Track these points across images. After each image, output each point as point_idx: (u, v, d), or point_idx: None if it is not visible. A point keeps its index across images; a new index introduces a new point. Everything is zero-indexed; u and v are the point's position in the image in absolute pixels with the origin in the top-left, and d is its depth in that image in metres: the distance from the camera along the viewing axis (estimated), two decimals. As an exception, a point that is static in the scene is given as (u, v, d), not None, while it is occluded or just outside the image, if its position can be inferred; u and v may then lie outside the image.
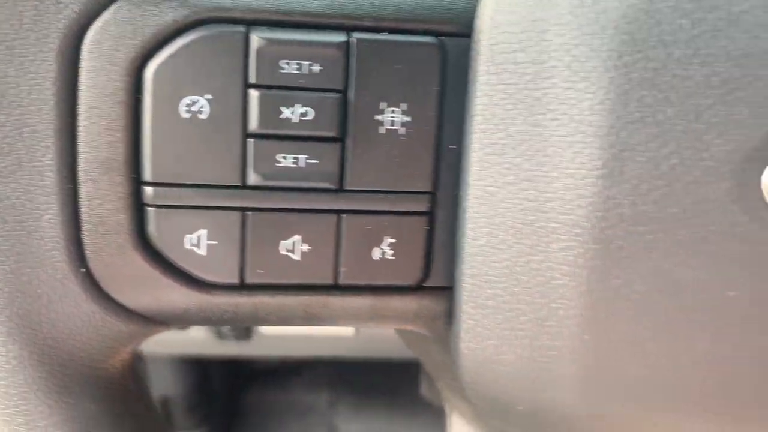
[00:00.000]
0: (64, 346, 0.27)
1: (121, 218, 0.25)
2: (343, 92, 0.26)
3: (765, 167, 0.24)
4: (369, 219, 0.27)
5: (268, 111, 0.25)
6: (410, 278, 0.28)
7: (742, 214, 0.24)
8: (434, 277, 0.28)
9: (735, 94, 0.23)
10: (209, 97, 0.25)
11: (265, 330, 0.79)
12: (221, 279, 0.26)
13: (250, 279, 0.26)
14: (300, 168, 0.26)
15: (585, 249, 0.25)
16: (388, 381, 1.15)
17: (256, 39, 0.25)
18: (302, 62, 0.25)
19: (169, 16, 0.25)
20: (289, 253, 0.26)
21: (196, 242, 0.26)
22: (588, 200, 0.24)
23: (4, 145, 0.25)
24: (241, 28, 0.25)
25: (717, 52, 0.23)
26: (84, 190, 0.25)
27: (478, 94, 0.25)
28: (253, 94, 0.25)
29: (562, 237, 0.25)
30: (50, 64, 0.24)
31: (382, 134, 0.26)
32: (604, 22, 0.24)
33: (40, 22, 0.24)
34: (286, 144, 0.25)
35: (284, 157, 0.26)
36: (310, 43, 0.25)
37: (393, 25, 0.26)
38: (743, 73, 0.23)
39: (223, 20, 0.25)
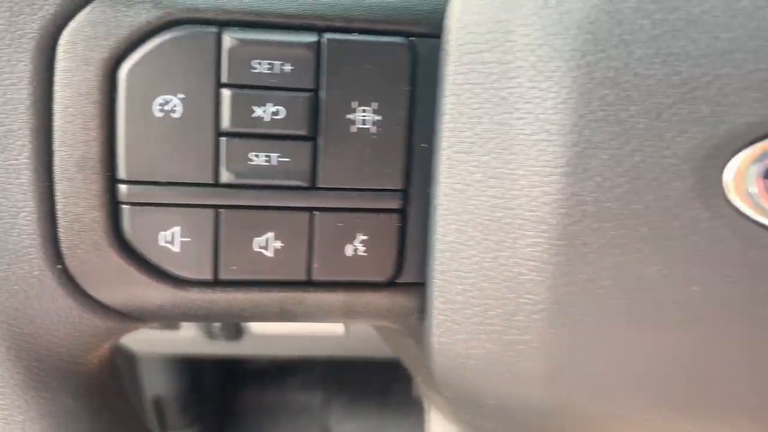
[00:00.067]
0: (41, 342, 0.27)
1: (96, 216, 0.26)
2: (315, 91, 0.26)
3: (726, 164, 0.24)
4: (341, 216, 0.27)
5: (240, 110, 0.26)
6: (383, 274, 0.28)
7: (704, 210, 0.24)
8: (407, 273, 0.28)
9: (695, 93, 0.24)
10: (182, 96, 0.25)
11: (256, 330, 0.80)
12: (195, 275, 0.27)
13: (223, 275, 0.27)
14: (272, 166, 0.26)
15: (550, 245, 0.25)
16: (382, 381, 1.15)
17: (228, 39, 0.25)
18: (274, 62, 0.26)
19: (142, 17, 0.25)
20: (263, 250, 0.27)
21: (170, 239, 0.26)
22: (553, 197, 0.25)
23: None
24: (214, 29, 0.25)
25: (678, 51, 0.24)
26: (60, 188, 0.26)
27: (447, 93, 0.26)
28: (226, 93, 0.25)
29: (529, 233, 0.25)
30: (26, 65, 0.25)
31: (353, 133, 0.27)
32: (567, 22, 0.24)
33: (16, 23, 0.25)
34: (258, 142, 0.26)
35: (256, 156, 0.26)
36: (282, 44, 0.26)
37: (364, 25, 0.27)
38: (703, 72, 0.24)
39: (196, 21, 0.25)
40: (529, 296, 0.26)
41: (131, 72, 0.25)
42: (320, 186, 0.27)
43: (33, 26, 0.25)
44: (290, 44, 0.26)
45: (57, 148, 0.25)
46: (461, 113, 0.26)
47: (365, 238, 0.28)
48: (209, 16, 0.26)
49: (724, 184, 0.24)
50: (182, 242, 0.26)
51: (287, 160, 0.26)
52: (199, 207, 0.26)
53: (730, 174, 0.24)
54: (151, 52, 0.25)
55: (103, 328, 0.28)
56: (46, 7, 0.25)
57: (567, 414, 0.27)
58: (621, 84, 0.24)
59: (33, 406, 0.28)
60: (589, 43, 0.24)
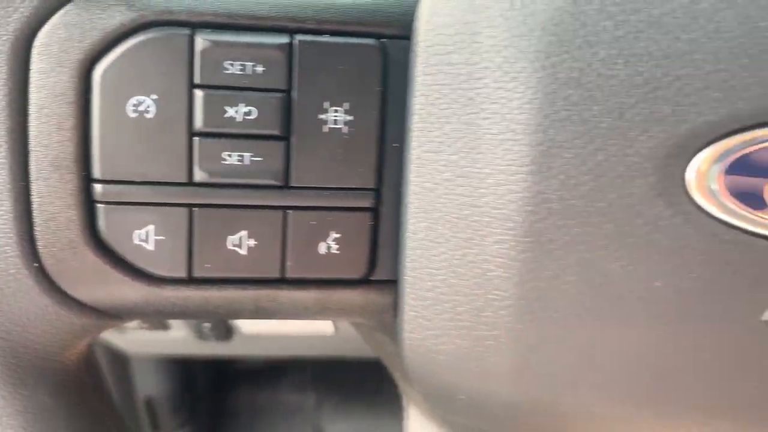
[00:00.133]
0: (18, 339, 0.28)
1: (71, 214, 0.26)
2: (287, 92, 0.27)
3: (688, 163, 0.25)
4: (314, 215, 0.28)
5: (213, 110, 0.26)
6: (356, 272, 0.29)
7: (666, 208, 0.25)
8: (380, 270, 0.29)
9: (657, 93, 0.24)
10: (155, 97, 0.26)
11: (246, 330, 0.80)
12: (170, 273, 0.27)
13: (198, 273, 0.27)
14: (245, 165, 0.27)
15: (517, 242, 0.26)
16: (374, 381, 1.16)
17: (200, 41, 0.26)
18: (246, 63, 0.26)
19: (116, 19, 0.26)
20: (236, 248, 0.27)
21: (145, 237, 0.27)
22: (519, 195, 0.25)
23: None
24: (186, 31, 0.26)
25: (639, 52, 0.24)
26: (35, 188, 0.26)
27: (416, 94, 0.26)
28: (198, 94, 0.26)
29: (496, 231, 0.26)
30: (1, 67, 0.25)
31: (325, 133, 0.27)
32: (531, 24, 0.25)
33: None
34: (231, 142, 0.26)
35: (229, 155, 0.27)
36: (254, 45, 0.26)
37: (335, 27, 0.27)
38: (664, 72, 0.24)
39: (169, 23, 0.26)
40: (496, 292, 0.26)
41: (105, 73, 0.26)
42: (293, 185, 0.27)
43: (8, 28, 0.25)
44: (262, 45, 0.26)
45: (33, 148, 0.26)
46: (430, 113, 0.26)
47: (338, 236, 0.28)
48: (182, 18, 0.26)
49: (687, 182, 0.25)
50: (157, 240, 0.27)
51: (260, 159, 0.27)
52: (173, 206, 0.27)
53: (692, 172, 0.25)
54: (124, 53, 0.26)
55: (79, 325, 0.28)
56: (21, 9, 0.25)
57: (535, 409, 0.28)
58: (584, 84, 0.24)
59: (10, 402, 0.28)
60: (554, 44, 0.24)
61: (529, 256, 0.26)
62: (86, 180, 0.26)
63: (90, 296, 0.28)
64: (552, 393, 0.27)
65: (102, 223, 0.27)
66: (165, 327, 0.81)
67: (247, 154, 0.27)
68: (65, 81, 0.26)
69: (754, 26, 0.24)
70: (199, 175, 0.27)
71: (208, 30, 0.26)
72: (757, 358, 0.26)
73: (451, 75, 0.26)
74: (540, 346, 0.26)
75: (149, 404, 1.04)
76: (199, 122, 0.26)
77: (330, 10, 0.27)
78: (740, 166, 0.25)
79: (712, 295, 0.25)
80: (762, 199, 0.25)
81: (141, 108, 0.26)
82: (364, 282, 0.29)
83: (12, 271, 0.26)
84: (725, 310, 0.25)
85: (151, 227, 0.27)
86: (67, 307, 0.27)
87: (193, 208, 0.27)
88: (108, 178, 0.26)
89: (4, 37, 0.25)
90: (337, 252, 0.28)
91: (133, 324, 0.82)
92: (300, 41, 0.27)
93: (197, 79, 0.26)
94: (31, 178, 0.26)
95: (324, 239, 0.28)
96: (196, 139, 0.26)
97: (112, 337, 0.83)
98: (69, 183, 0.26)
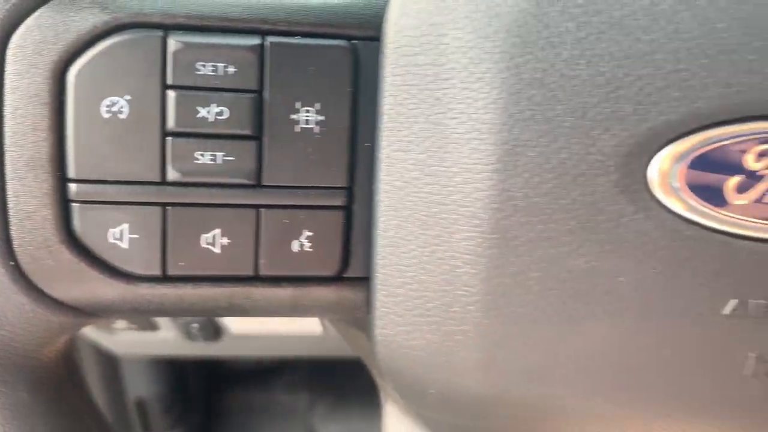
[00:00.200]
0: None
1: (47, 213, 0.27)
2: (258, 93, 0.27)
3: (650, 160, 0.25)
4: (287, 213, 0.28)
5: (185, 111, 0.27)
6: (329, 269, 0.29)
7: (629, 205, 0.25)
8: (353, 267, 0.29)
9: (618, 93, 0.25)
10: (129, 98, 0.26)
11: (235, 330, 0.81)
12: (144, 271, 0.28)
13: (172, 271, 0.28)
14: (218, 165, 0.27)
15: (483, 239, 0.26)
16: (367, 382, 1.16)
17: (173, 42, 0.26)
18: (218, 64, 0.27)
19: (89, 22, 0.26)
20: (210, 246, 0.28)
21: (119, 236, 0.27)
22: (485, 193, 0.26)
23: None
24: (159, 33, 0.26)
25: (601, 52, 0.25)
26: (11, 187, 0.27)
27: (385, 94, 0.27)
28: (171, 94, 0.26)
29: (463, 228, 0.26)
30: None
31: (297, 132, 0.28)
32: (496, 25, 0.25)
33: None
34: (203, 142, 0.27)
35: (202, 155, 0.27)
36: (226, 46, 0.27)
37: (307, 29, 0.28)
38: (626, 72, 0.25)
39: (142, 25, 0.26)
40: (464, 288, 0.27)
41: (79, 75, 0.26)
42: (266, 184, 0.28)
43: None
44: (234, 47, 0.27)
45: (8, 149, 0.26)
46: (399, 113, 0.27)
47: (311, 234, 0.29)
48: (155, 20, 0.27)
49: (648, 180, 0.25)
50: (131, 239, 0.27)
51: (232, 159, 0.27)
52: (147, 205, 0.27)
53: (653, 170, 0.25)
54: (98, 55, 0.26)
55: (56, 323, 0.28)
56: None
57: (504, 403, 0.28)
58: (548, 84, 0.25)
59: None
60: (517, 45, 0.25)
61: (495, 253, 0.26)
62: (61, 180, 0.27)
63: (66, 294, 0.28)
64: (519, 387, 0.28)
65: (77, 222, 0.27)
66: (153, 327, 0.81)
67: (219, 154, 0.27)
68: (40, 82, 0.26)
69: (712, 27, 0.25)
70: (172, 175, 0.27)
71: (181, 32, 0.27)
72: (719, 352, 0.26)
73: (419, 76, 0.26)
74: (507, 341, 0.27)
75: (140, 405, 1.04)
76: (171, 122, 0.27)
77: (301, 12, 0.28)
78: (701, 164, 0.25)
79: (675, 290, 0.26)
80: (722, 195, 0.25)
81: (114, 109, 0.26)
82: (337, 279, 0.29)
83: None
84: (687, 305, 0.26)
85: (125, 226, 0.27)
86: (43, 305, 0.28)
87: (167, 207, 0.27)
88: (83, 177, 0.27)
89: None
90: (310, 250, 0.29)
91: (122, 325, 0.82)
92: (271, 43, 0.27)
93: (170, 80, 0.26)
94: (7, 178, 0.26)
95: (297, 237, 0.29)
96: (168, 139, 0.27)
97: (101, 338, 0.84)
98: (44, 182, 0.27)
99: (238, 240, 0.28)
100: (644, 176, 0.25)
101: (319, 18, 0.28)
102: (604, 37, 0.25)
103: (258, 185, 0.28)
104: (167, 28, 0.27)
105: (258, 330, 0.80)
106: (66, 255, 0.27)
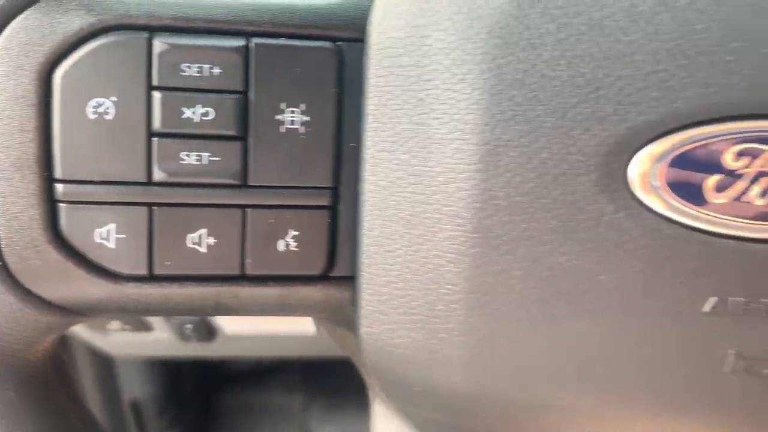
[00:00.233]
0: None
1: (34, 214, 0.27)
2: (244, 93, 0.27)
3: (630, 160, 0.26)
4: (273, 213, 0.29)
5: (171, 111, 0.27)
6: (315, 268, 0.29)
7: (609, 204, 0.26)
8: (339, 267, 0.30)
9: (599, 93, 0.25)
10: (115, 99, 0.27)
11: (228, 331, 0.81)
12: (131, 271, 0.28)
13: (158, 271, 0.28)
14: (204, 165, 0.27)
15: (466, 238, 0.26)
16: (362, 382, 1.16)
17: (158, 44, 0.27)
18: (203, 65, 0.27)
19: (76, 23, 0.26)
20: (196, 246, 0.28)
21: (106, 236, 0.28)
22: (467, 192, 0.26)
23: None
24: (145, 35, 0.27)
25: (582, 53, 0.25)
26: None
27: (370, 95, 0.27)
28: (156, 95, 0.27)
29: (446, 227, 0.27)
30: None
31: (282, 133, 0.28)
32: (478, 27, 0.25)
33: None
34: (189, 142, 0.27)
35: (187, 155, 0.27)
36: (211, 48, 0.27)
37: (291, 30, 0.28)
38: (606, 73, 0.25)
39: (128, 27, 0.27)
40: (448, 287, 0.27)
41: (65, 76, 0.26)
42: (251, 184, 0.28)
43: None
44: (219, 48, 0.27)
45: None
46: (383, 114, 0.27)
47: (297, 233, 0.29)
48: (140, 22, 0.27)
49: (629, 179, 0.26)
50: (118, 239, 0.28)
51: (218, 159, 0.28)
52: (133, 205, 0.27)
53: (634, 169, 0.26)
54: (84, 57, 0.26)
55: (44, 322, 0.29)
56: None
57: (488, 400, 0.29)
58: (529, 85, 0.25)
59: None
60: (499, 46, 0.25)
61: (479, 252, 0.26)
62: (48, 180, 0.27)
63: (53, 294, 0.28)
64: (503, 385, 0.28)
65: (64, 222, 0.27)
66: (147, 328, 0.82)
67: (205, 154, 0.27)
68: (26, 84, 0.26)
69: (691, 28, 0.25)
70: (158, 175, 0.27)
71: (166, 33, 0.27)
72: (700, 349, 0.27)
73: (402, 77, 0.27)
74: (490, 339, 0.27)
75: (135, 406, 1.04)
76: (157, 123, 0.27)
77: (286, 14, 0.28)
78: (681, 163, 0.26)
79: (655, 288, 0.26)
80: (702, 194, 0.26)
81: (101, 110, 0.27)
82: (323, 278, 0.30)
83: None
84: (668, 303, 0.26)
85: (112, 226, 0.27)
86: (31, 304, 0.28)
87: (153, 207, 0.28)
88: (69, 178, 0.27)
89: None
90: (297, 249, 0.29)
91: (116, 326, 0.82)
92: (256, 44, 0.27)
93: (155, 81, 0.27)
94: None
95: (283, 237, 0.29)
96: (154, 139, 0.27)
97: (95, 339, 0.84)
98: (31, 183, 0.27)
99: (224, 240, 0.28)
100: (624, 175, 0.26)
101: (304, 19, 0.28)
102: (584, 38, 0.25)
103: (244, 185, 0.28)
104: (153, 29, 0.27)
105: (252, 330, 0.80)
106: (53, 255, 0.27)
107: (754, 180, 0.25)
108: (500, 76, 0.25)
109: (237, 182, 0.28)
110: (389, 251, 0.28)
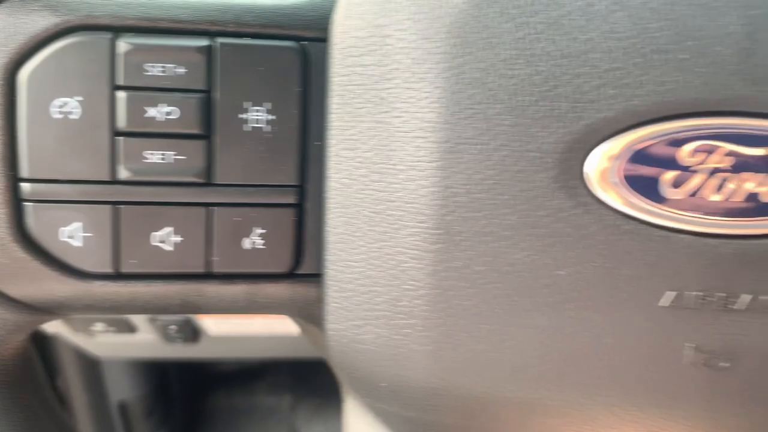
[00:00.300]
0: None
1: (0, 213, 0.27)
2: (208, 93, 0.28)
3: (587, 157, 0.26)
4: (239, 211, 0.29)
5: (135, 111, 0.27)
6: (282, 266, 0.30)
7: (567, 200, 0.26)
8: (306, 264, 0.30)
9: (556, 91, 0.26)
10: (79, 98, 0.27)
11: (213, 332, 0.81)
12: (97, 269, 0.28)
13: (125, 269, 0.28)
14: (169, 164, 0.28)
15: (428, 234, 0.27)
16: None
17: (122, 44, 0.27)
18: (167, 65, 0.27)
19: (40, 24, 0.27)
20: (163, 244, 0.28)
21: (72, 234, 0.28)
22: (429, 190, 0.26)
23: None
24: (109, 35, 0.27)
25: (539, 52, 0.26)
26: None
27: (333, 94, 0.28)
28: (120, 95, 0.27)
29: (409, 224, 0.27)
30: None
31: (247, 131, 0.28)
32: (437, 26, 0.26)
33: None
34: (154, 141, 0.27)
35: (152, 154, 0.28)
36: (175, 48, 0.27)
37: (256, 30, 0.28)
38: (563, 71, 0.26)
39: (92, 27, 0.27)
40: (411, 283, 0.27)
41: (31, 76, 0.27)
42: (217, 182, 0.28)
43: None
44: (183, 48, 0.27)
45: None
46: (346, 112, 0.27)
47: (263, 231, 0.29)
48: (105, 22, 0.27)
49: (586, 176, 0.26)
50: (84, 237, 0.28)
51: (183, 158, 0.28)
52: (99, 203, 0.28)
53: (591, 166, 0.26)
54: (49, 57, 0.27)
55: (11, 321, 0.29)
56: None
57: (453, 394, 0.29)
58: (487, 84, 0.26)
59: None
60: (458, 46, 0.26)
61: (440, 248, 0.27)
62: (14, 179, 0.27)
63: (21, 292, 0.28)
64: (467, 379, 0.28)
65: (30, 220, 0.28)
66: (132, 330, 0.82)
67: (170, 153, 0.28)
68: None
69: (645, 27, 0.25)
70: (123, 174, 0.27)
71: (131, 34, 0.27)
72: (658, 343, 0.27)
73: (365, 76, 0.27)
74: (454, 334, 0.28)
75: (122, 408, 1.04)
76: (122, 122, 0.27)
77: (250, 14, 0.28)
78: (637, 160, 0.26)
79: (613, 283, 0.26)
80: (659, 190, 0.26)
81: (65, 109, 0.27)
82: (290, 276, 0.30)
83: None
84: (626, 297, 0.27)
85: (78, 224, 0.28)
86: None
87: (119, 206, 0.28)
88: (35, 177, 0.27)
89: None
90: (263, 247, 0.29)
91: (100, 327, 0.82)
92: (220, 44, 0.28)
93: (119, 81, 0.27)
94: None
95: (249, 235, 0.29)
96: (119, 138, 0.27)
97: (80, 341, 0.84)
98: None
99: (190, 238, 0.29)
100: (582, 172, 0.26)
101: (268, 19, 0.28)
102: (541, 37, 0.26)
103: (209, 183, 0.28)
104: (117, 30, 0.27)
105: (236, 331, 0.80)
106: (19, 253, 0.28)
107: (710, 176, 0.26)
108: (459, 75, 0.26)
109: (202, 180, 0.28)
110: (353, 248, 0.28)
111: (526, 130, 0.26)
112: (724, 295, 0.26)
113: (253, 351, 0.86)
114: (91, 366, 0.98)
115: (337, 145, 0.28)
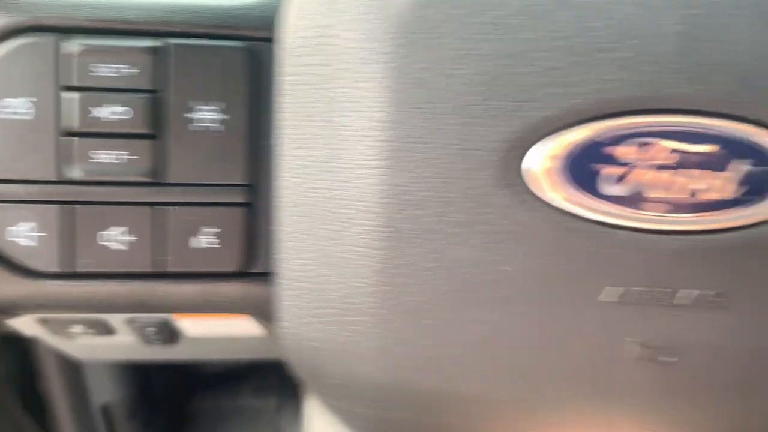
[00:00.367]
0: None
1: None
2: (158, 92, 0.28)
3: (528, 154, 0.26)
4: (191, 210, 0.29)
5: (83, 111, 0.27)
6: (234, 265, 0.30)
7: (509, 197, 0.26)
8: (259, 263, 0.30)
9: (500, 90, 0.26)
10: (28, 99, 0.27)
11: (191, 334, 0.81)
12: (50, 268, 0.28)
13: (78, 268, 0.29)
14: (118, 163, 0.28)
15: (377, 232, 0.27)
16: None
17: (71, 45, 0.27)
18: (116, 66, 0.27)
19: None
20: (114, 244, 0.29)
21: (24, 234, 0.28)
22: (377, 188, 0.27)
23: None
24: (57, 36, 0.27)
25: (483, 52, 0.26)
26: None
27: (282, 93, 0.28)
28: (69, 96, 0.27)
29: (359, 222, 0.27)
30: None
31: (198, 131, 0.29)
32: (384, 27, 0.26)
33: None
34: (104, 141, 0.28)
35: (102, 154, 0.28)
36: (125, 48, 0.28)
37: (207, 31, 0.29)
38: (507, 70, 0.26)
39: (41, 29, 0.27)
40: (361, 280, 0.28)
41: None
42: (168, 182, 0.29)
43: None
44: (133, 49, 0.28)
45: None
46: (296, 112, 0.28)
47: (215, 230, 0.29)
48: (54, 23, 0.27)
49: (528, 173, 0.26)
50: (34, 237, 0.28)
51: (134, 157, 0.28)
52: (50, 203, 0.28)
53: (532, 163, 0.26)
54: None
55: (-35, 321, 0.29)
56: None
57: (403, 390, 0.29)
58: (433, 83, 0.26)
59: None
60: (404, 46, 0.26)
61: (389, 245, 0.27)
62: None
63: None
64: (417, 374, 0.29)
65: None
66: (110, 332, 0.81)
67: (120, 152, 0.28)
68: None
69: (588, 26, 0.26)
70: (73, 174, 0.28)
71: (80, 35, 0.27)
72: (601, 338, 0.28)
73: (313, 75, 0.27)
74: (403, 330, 0.28)
75: (105, 411, 1.04)
76: (71, 123, 0.27)
77: (201, 15, 0.29)
78: (577, 157, 0.26)
79: (556, 279, 0.27)
80: (598, 187, 0.26)
81: (14, 110, 0.27)
82: (243, 275, 0.30)
83: None
84: (569, 293, 0.27)
85: (30, 224, 0.28)
86: None
87: (69, 205, 0.28)
88: None
89: None
90: (216, 246, 0.29)
91: (79, 329, 0.82)
92: (170, 44, 0.28)
93: (69, 82, 0.27)
94: None
95: (202, 234, 0.29)
96: (68, 138, 0.27)
97: (59, 343, 0.83)
98: None
99: (142, 237, 0.29)
100: (524, 170, 0.26)
101: (219, 20, 0.29)
102: (486, 37, 0.26)
103: (160, 183, 0.29)
104: (67, 31, 0.27)
105: (214, 333, 0.80)
106: None
107: (650, 173, 0.26)
108: (405, 75, 0.26)
109: (153, 180, 0.28)
110: (304, 246, 0.28)
111: (470, 129, 0.26)
112: (666, 290, 0.27)
113: (233, 352, 0.86)
114: (73, 369, 0.97)
115: (287, 145, 0.28)
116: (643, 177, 0.26)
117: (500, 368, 0.28)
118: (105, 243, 0.28)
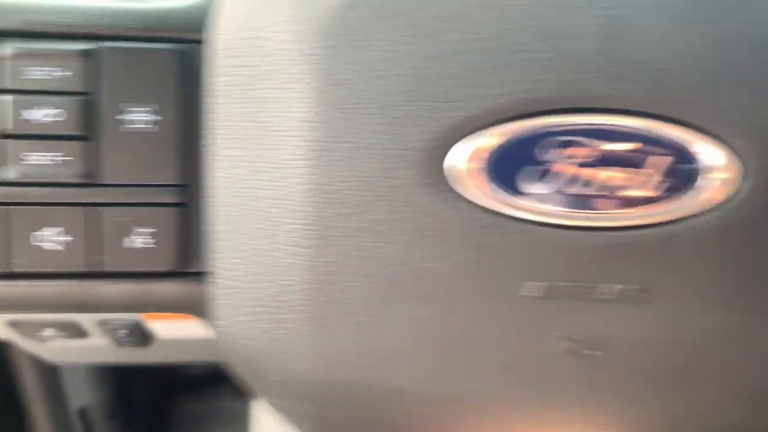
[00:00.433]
0: None
1: None
2: (91, 95, 0.28)
3: (449, 154, 0.27)
4: (126, 210, 0.29)
5: (17, 114, 0.28)
6: (169, 264, 0.30)
7: (432, 196, 0.27)
8: (196, 262, 0.31)
9: (423, 91, 0.27)
10: None
11: (163, 336, 0.81)
12: None
13: (15, 268, 0.29)
14: (53, 165, 0.28)
15: (306, 231, 0.28)
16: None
17: (3, 48, 0.27)
18: (49, 69, 0.28)
19: None
20: (52, 244, 0.29)
21: (-43, 235, 0.28)
22: (304, 187, 0.27)
23: None
24: None
25: (406, 54, 0.26)
26: None
27: (213, 94, 0.28)
28: (2, 98, 0.28)
29: (287, 221, 0.28)
30: None
31: (131, 132, 0.29)
32: (311, 28, 0.27)
33: None
34: (38, 143, 0.28)
35: (37, 155, 0.28)
36: (58, 52, 0.28)
37: (140, 33, 0.29)
38: (430, 72, 0.26)
39: None
40: (290, 278, 0.28)
41: None
42: (103, 183, 0.29)
43: None
44: (66, 52, 0.28)
45: None
46: (226, 113, 0.28)
47: (150, 230, 0.30)
48: None
49: (449, 172, 0.27)
50: None
51: (68, 158, 0.28)
52: None
53: (454, 162, 0.27)
54: None
55: None
56: None
57: (338, 387, 0.30)
58: (358, 84, 0.27)
59: None
60: (330, 48, 0.27)
61: (316, 243, 0.28)
62: None
63: None
64: (349, 371, 0.29)
65: None
66: (83, 335, 0.81)
67: (54, 154, 0.28)
68: None
69: (509, 27, 0.26)
70: (8, 175, 0.28)
71: (13, 38, 0.28)
72: (523, 334, 0.28)
73: (243, 76, 0.28)
74: (333, 327, 0.28)
75: (83, 414, 1.04)
76: (4, 125, 0.28)
77: (133, 18, 0.29)
78: (499, 156, 0.27)
79: (478, 275, 0.27)
80: (519, 185, 0.27)
81: None
82: (179, 274, 0.31)
83: None
84: (489, 288, 0.27)
85: None
86: None
87: (6, 207, 0.28)
88: None
89: None
90: (151, 246, 0.30)
91: (51, 332, 0.82)
92: (102, 47, 0.28)
93: (1, 84, 0.28)
94: None
95: (137, 234, 0.30)
96: (1, 141, 0.28)
97: (32, 347, 0.83)
98: None
99: (79, 237, 0.29)
100: (446, 168, 0.27)
101: (151, 23, 0.29)
102: (409, 40, 0.26)
103: (95, 184, 0.29)
104: (1, 34, 0.28)
105: (186, 335, 0.80)
106: None
107: (570, 170, 0.27)
108: (330, 77, 0.27)
109: (88, 181, 0.29)
110: (237, 246, 0.29)
111: (394, 129, 0.27)
112: (590, 285, 0.27)
113: (206, 354, 0.86)
114: (49, 372, 0.97)
115: (219, 145, 0.28)
116: (564, 175, 0.27)
117: (430, 364, 0.29)
118: (40, 243, 0.29)
